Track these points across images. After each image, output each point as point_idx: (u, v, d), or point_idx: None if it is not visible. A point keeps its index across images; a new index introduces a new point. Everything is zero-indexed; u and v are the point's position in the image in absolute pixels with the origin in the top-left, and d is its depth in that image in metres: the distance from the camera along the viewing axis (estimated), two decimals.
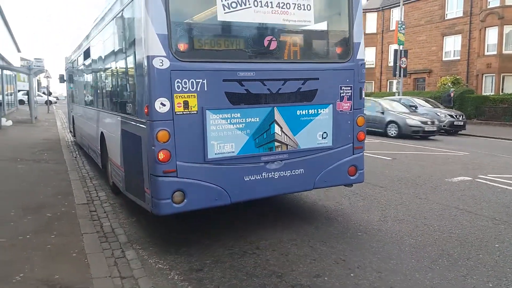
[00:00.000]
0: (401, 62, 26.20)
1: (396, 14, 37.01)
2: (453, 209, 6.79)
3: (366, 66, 41.13)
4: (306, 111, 5.34)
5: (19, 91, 42.35)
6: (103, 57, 7.32)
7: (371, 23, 40.45)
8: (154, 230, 5.70)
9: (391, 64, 35.37)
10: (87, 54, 9.25)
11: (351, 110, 5.65)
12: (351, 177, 5.77)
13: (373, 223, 6.05)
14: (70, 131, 15.19)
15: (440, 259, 4.83)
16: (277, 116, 5.14)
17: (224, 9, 4.81)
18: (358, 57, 5.63)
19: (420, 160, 11.51)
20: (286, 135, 5.26)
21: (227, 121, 4.85)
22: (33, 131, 17.34)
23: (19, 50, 40.21)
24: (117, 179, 6.54)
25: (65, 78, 15.62)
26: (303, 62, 5.37)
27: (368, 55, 41.20)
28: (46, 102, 38.03)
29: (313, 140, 5.44)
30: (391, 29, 38.47)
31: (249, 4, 4.91)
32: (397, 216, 6.38)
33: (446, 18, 33.87)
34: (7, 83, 32.68)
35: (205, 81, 4.68)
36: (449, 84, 30.49)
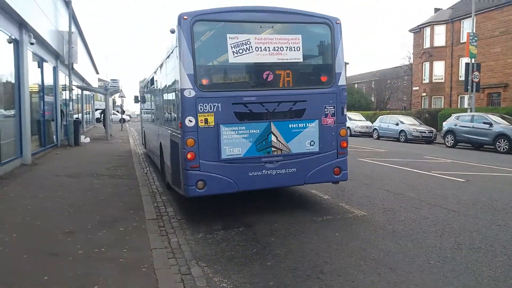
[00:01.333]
0: (473, 76, 24.86)
1: (467, 26, 35.18)
2: None
3: (435, 81, 39.56)
4: (297, 124, 7.10)
5: (96, 109, 45.00)
6: (161, 87, 9.90)
7: (440, 36, 38.71)
8: (219, 247, 5.79)
9: (462, 78, 33.64)
10: (152, 83, 11.97)
11: (334, 124, 7.35)
12: (336, 176, 7.42)
13: (446, 250, 5.71)
14: (143, 144, 17.64)
15: None
16: (273, 129, 6.95)
17: (234, 55, 6.77)
18: (339, 84, 7.37)
19: (498, 183, 10.76)
20: (281, 142, 7.01)
21: (235, 132, 6.75)
22: (108, 148, 18.52)
23: (97, 72, 43.46)
24: (168, 177, 8.61)
25: (138, 99, 18.36)
26: (294, 89, 7.16)
27: (437, 69, 39.48)
28: (120, 120, 39.68)
29: (302, 147, 7.14)
30: (461, 41, 36.56)
31: (252, 50, 6.84)
32: (472, 244, 5.97)
33: None
34: (86, 103, 34.77)
35: (219, 104, 6.67)
36: None
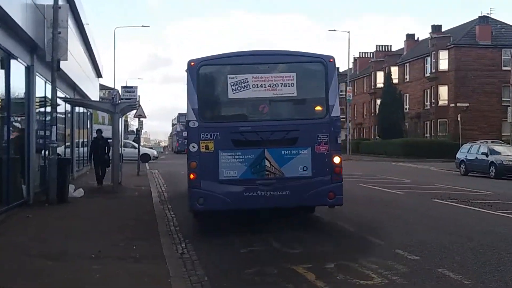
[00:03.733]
0: None
1: None
2: None
3: None
4: (290, 151, 7.93)
5: (94, 140, 19.72)
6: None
7: None
8: None
9: None
10: None
11: (328, 151, 7.95)
12: (330, 200, 8.01)
13: None
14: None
15: None
16: (267, 154, 7.87)
17: (233, 92, 8.01)
18: (333, 115, 8.07)
19: None
20: (274, 167, 7.87)
21: (232, 157, 7.85)
22: (115, 207, 11.31)
23: (99, 75, 25.96)
24: None
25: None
26: (287, 119, 8.27)
27: None
28: (138, 158, 21.68)
29: (295, 171, 7.88)
30: None
31: (249, 87, 7.98)
32: None
33: None
34: (77, 127, 19.23)
35: (218, 133, 7.85)
36: None
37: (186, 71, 8.15)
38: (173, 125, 75.25)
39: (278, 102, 8.22)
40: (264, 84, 7.92)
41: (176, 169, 22.97)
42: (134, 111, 21.56)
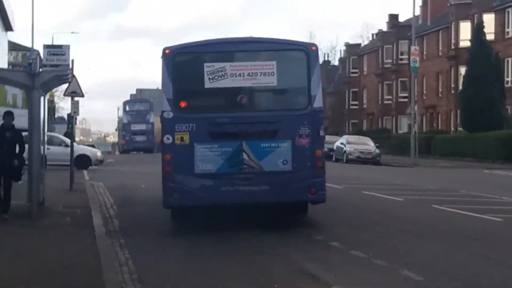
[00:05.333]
0: None
1: None
2: None
3: None
4: (269, 144, 7.71)
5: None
6: None
7: None
8: None
9: None
10: None
11: (309, 144, 7.69)
12: (311, 196, 7.78)
13: None
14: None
15: None
16: (245, 147, 7.63)
17: (210, 81, 7.78)
18: (315, 106, 7.83)
19: None
20: (253, 160, 7.65)
21: (208, 149, 7.67)
22: (30, 245, 6.82)
23: (8, 27, 18.92)
24: None
25: None
26: (267, 111, 8.14)
27: None
28: (80, 161, 17.86)
29: (275, 165, 7.65)
30: None
31: (227, 76, 7.76)
32: None
33: None
34: None
35: (194, 125, 7.65)
36: None
37: (161, 58, 8.15)
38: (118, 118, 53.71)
39: (257, 92, 8.26)
40: (243, 73, 7.85)
41: (133, 179, 16.00)
42: (65, 86, 13.64)
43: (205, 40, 8.58)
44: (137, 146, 42.15)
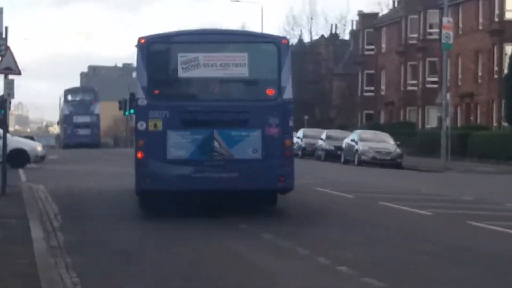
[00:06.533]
0: None
1: None
2: None
3: None
4: (240, 133, 8.16)
5: None
6: None
7: None
8: None
9: None
10: None
11: (279, 134, 8.17)
12: (280, 184, 8.20)
13: None
14: None
15: None
16: (216, 135, 8.07)
17: (183, 70, 8.27)
18: (285, 97, 8.33)
19: None
20: (223, 148, 8.09)
21: (181, 136, 8.12)
22: None
23: None
24: None
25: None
26: (238, 100, 8.57)
27: None
28: (16, 157, 16.39)
29: (245, 153, 8.11)
30: None
31: (200, 66, 8.22)
32: None
33: None
34: None
35: (167, 112, 8.08)
36: None
37: (135, 47, 8.54)
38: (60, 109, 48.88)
39: (229, 82, 8.64)
40: (215, 64, 8.27)
41: (83, 182, 14.00)
42: None
43: (180, 31, 9.18)
44: (80, 140, 38.51)
